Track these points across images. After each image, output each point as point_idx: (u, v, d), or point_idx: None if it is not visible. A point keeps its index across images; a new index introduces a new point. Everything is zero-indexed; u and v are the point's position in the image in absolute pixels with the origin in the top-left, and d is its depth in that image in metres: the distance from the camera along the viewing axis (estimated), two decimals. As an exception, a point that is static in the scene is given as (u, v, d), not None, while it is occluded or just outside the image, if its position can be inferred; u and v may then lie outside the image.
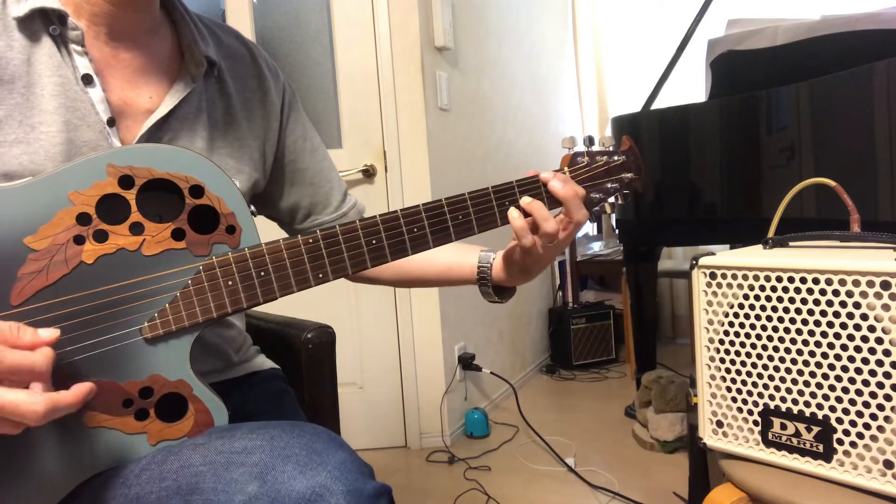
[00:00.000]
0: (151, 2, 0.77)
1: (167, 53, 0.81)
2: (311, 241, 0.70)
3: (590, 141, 0.86)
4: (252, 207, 0.71)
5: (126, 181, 0.64)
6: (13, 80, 0.69)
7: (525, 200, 0.78)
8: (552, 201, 0.79)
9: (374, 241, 0.73)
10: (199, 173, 0.67)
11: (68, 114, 0.71)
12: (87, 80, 0.72)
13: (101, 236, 0.63)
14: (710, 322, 0.91)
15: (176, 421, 0.67)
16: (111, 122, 0.73)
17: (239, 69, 0.88)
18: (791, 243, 0.96)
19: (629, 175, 0.85)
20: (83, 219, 0.62)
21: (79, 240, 0.62)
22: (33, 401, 0.53)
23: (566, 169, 0.83)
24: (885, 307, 0.75)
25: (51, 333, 0.56)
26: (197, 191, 0.67)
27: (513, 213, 0.77)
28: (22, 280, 0.60)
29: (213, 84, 0.84)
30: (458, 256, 0.92)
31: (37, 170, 0.68)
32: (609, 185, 0.85)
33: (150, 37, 0.79)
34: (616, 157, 0.85)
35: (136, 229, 0.64)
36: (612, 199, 0.85)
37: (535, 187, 0.79)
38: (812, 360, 0.82)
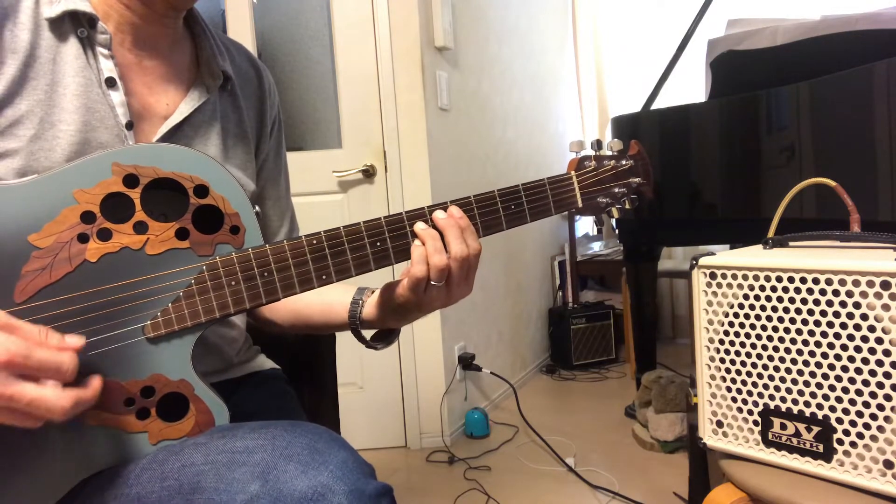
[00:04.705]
0: (176, 17, 0.80)
1: (186, 64, 0.83)
2: (314, 241, 0.70)
3: (598, 145, 0.84)
4: (256, 208, 0.72)
5: (131, 180, 0.64)
6: (38, 77, 0.70)
7: (420, 227, 0.72)
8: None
9: (378, 243, 0.72)
10: (203, 173, 0.67)
11: (88, 115, 0.72)
12: (110, 83, 0.74)
13: (105, 235, 0.63)
14: (710, 322, 0.91)
15: (177, 420, 0.67)
16: (129, 126, 0.75)
17: (248, 89, 0.91)
18: (791, 243, 0.96)
19: (637, 180, 0.84)
20: (87, 217, 0.63)
21: (83, 238, 0.62)
22: (60, 395, 0.55)
23: (573, 173, 0.82)
24: (885, 307, 0.75)
25: (77, 340, 0.58)
26: (201, 190, 0.67)
27: (419, 226, 0.71)
28: (25, 277, 0.60)
29: (227, 97, 0.87)
30: (339, 295, 0.84)
31: (51, 167, 0.69)
32: (617, 190, 0.83)
33: (171, 47, 0.81)
34: (624, 162, 0.84)
35: (140, 228, 0.64)
36: (619, 205, 0.84)
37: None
38: (812, 360, 0.82)
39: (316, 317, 0.88)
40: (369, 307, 0.82)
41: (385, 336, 0.85)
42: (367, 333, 0.84)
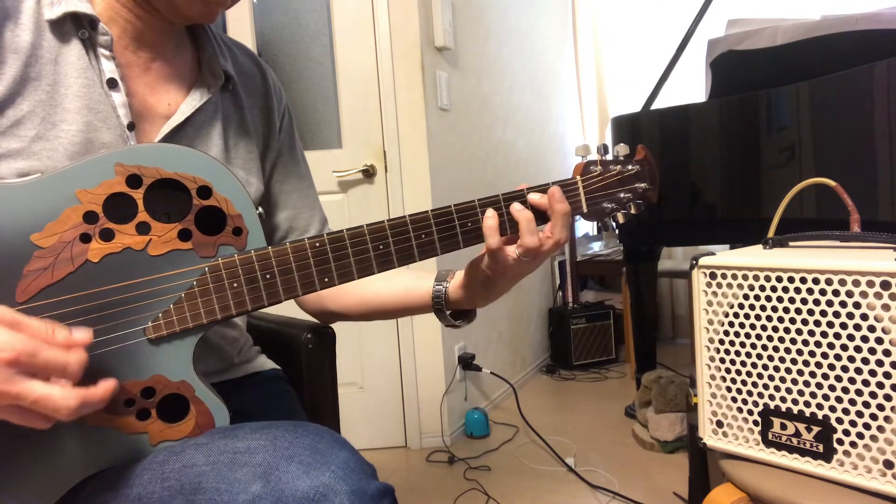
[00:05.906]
0: (177, 21, 0.80)
1: (187, 64, 0.83)
2: (317, 244, 0.70)
3: (604, 149, 0.83)
4: (260, 209, 0.72)
5: (134, 180, 0.64)
6: (39, 77, 0.70)
7: (517, 207, 0.75)
8: (538, 216, 0.77)
9: (381, 247, 0.72)
10: (207, 174, 0.67)
11: (90, 115, 0.72)
12: (111, 83, 0.74)
13: (107, 235, 0.63)
14: (710, 322, 0.92)
15: (177, 422, 0.67)
16: (131, 126, 0.75)
17: (250, 87, 0.91)
18: (791, 243, 0.96)
19: (643, 185, 0.82)
20: (90, 217, 0.63)
21: (85, 238, 0.62)
22: (66, 395, 0.54)
23: (579, 178, 0.81)
24: (885, 307, 0.75)
25: (84, 335, 0.57)
26: (205, 191, 0.67)
27: (515, 207, 0.75)
28: (27, 277, 0.60)
29: (228, 97, 0.87)
30: (415, 281, 0.88)
31: (54, 167, 0.69)
32: (622, 196, 0.82)
33: (173, 48, 0.82)
34: (630, 167, 0.82)
35: (143, 229, 0.65)
36: (624, 211, 0.82)
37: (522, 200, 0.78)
38: (812, 360, 0.82)
39: (390, 304, 0.91)
40: (454, 289, 0.85)
41: (464, 315, 0.88)
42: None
